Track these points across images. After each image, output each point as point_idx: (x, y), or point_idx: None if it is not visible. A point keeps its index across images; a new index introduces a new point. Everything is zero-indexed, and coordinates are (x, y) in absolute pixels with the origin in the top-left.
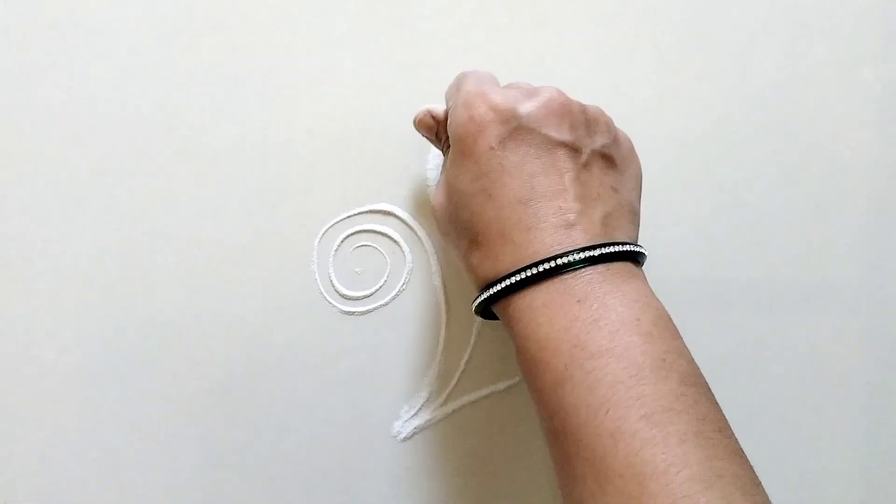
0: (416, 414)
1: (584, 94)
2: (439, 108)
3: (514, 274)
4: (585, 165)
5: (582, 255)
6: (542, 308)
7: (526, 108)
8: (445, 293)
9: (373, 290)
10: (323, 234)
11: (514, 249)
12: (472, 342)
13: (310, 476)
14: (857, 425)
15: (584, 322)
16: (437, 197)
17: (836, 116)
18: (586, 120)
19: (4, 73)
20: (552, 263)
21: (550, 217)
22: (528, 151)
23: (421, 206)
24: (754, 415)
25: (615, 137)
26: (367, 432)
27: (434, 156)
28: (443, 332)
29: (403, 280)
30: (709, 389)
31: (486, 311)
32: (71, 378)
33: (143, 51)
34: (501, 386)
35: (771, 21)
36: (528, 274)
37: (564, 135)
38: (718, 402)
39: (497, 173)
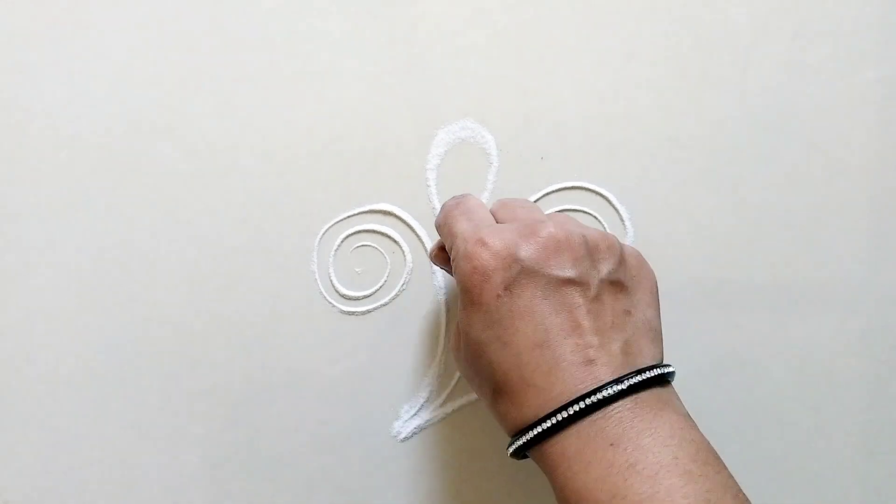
0: (416, 414)
1: (585, 94)
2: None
3: (541, 421)
4: (596, 298)
5: (608, 393)
6: (576, 455)
7: (526, 251)
8: (445, 293)
9: (373, 290)
10: (323, 234)
11: (537, 394)
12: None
13: (310, 476)
14: (857, 425)
15: (620, 468)
16: (454, 344)
17: (836, 116)
18: (588, 251)
19: (4, 73)
20: (579, 406)
21: (568, 356)
22: (535, 294)
23: (421, 206)
24: (754, 415)
25: (620, 259)
26: (367, 432)
27: (434, 156)
28: (443, 332)
29: (403, 280)
30: None
31: (524, 455)
32: (71, 378)
33: (143, 51)
34: None
35: (771, 21)
36: (556, 420)
37: (568, 271)
38: (718, 402)
39: (508, 320)
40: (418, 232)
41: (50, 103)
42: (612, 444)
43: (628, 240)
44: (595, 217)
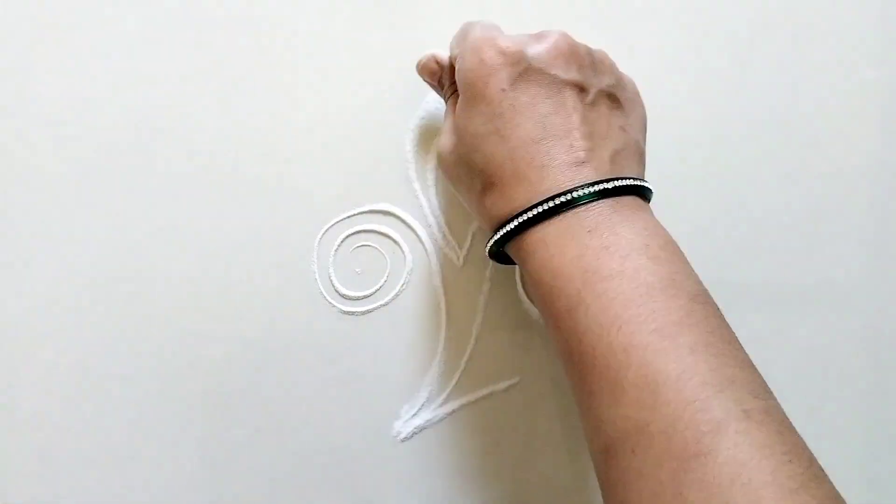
0: (416, 414)
1: None
2: (444, 54)
3: (528, 210)
4: (592, 104)
5: (593, 189)
6: (555, 239)
7: (534, 49)
8: (445, 293)
9: (373, 290)
10: (323, 234)
11: (528, 187)
12: (472, 342)
13: (310, 476)
14: (857, 425)
15: (595, 249)
16: (444, 144)
17: (836, 116)
18: (592, 61)
19: (4, 73)
20: (565, 197)
21: (562, 155)
22: (538, 92)
23: (421, 206)
24: None
25: (619, 79)
26: (367, 432)
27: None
28: (443, 332)
29: (403, 280)
30: (717, 308)
31: (499, 253)
32: (71, 378)
33: (143, 51)
34: (501, 386)
35: (771, 21)
36: (543, 209)
37: (572, 74)
38: None
39: (509, 114)
40: (418, 232)
41: (50, 103)
42: (589, 231)
43: None
44: None
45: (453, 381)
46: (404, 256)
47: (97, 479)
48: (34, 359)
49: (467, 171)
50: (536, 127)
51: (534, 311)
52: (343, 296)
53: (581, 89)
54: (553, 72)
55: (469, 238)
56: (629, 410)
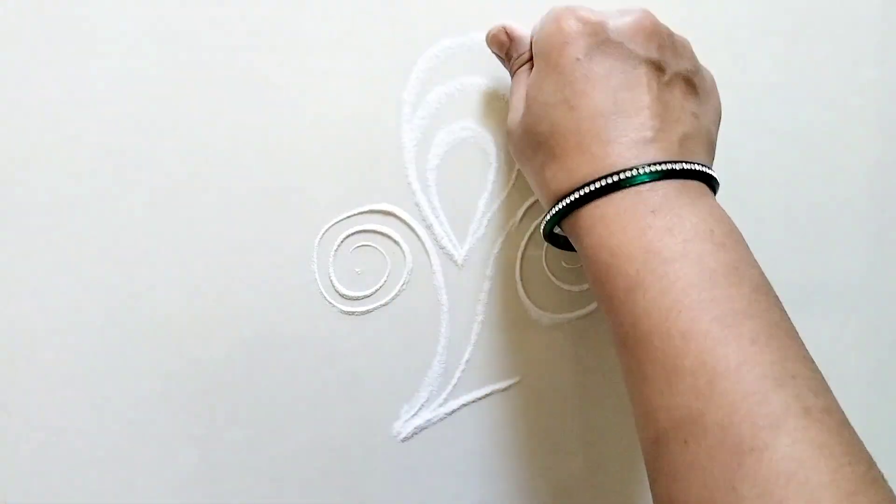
0: (416, 414)
1: None
2: (516, 25)
3: (590, 184)
4: (668, 85)
5: (658, 168)
6: (615, 216)
7: (616, 22)
8: (445, 293)
9: (373, 290)
10: (323, 234)
11: (590, 160)
12: (473, 342)
13: (310, 476)
14: (857, 425)
15: (658, 230)
16: (513, 114)
17: (836, 116)
18: (673, 43)
19: (4, 73)
20: (629, 173)
21: (630, 132)
22: (615, 65)
23: (422, 206)
24: None
25: (698, 67)
26: (367, 432)
27: (434, 156)
28: (443, 332)
29: (403, 280)
30: (780, 301)
31: (552, 233)
32: (71, 378)
33: (143, 51)
34: (502, 385)
35: (771, 21)
36: (604, 183)
37: (651, 52)
38: None
39: (581, 84)
40: (418, 232)
41: (50, 103)
42: (652, 211)
43: None
44: None
45: (453, 381)
46: (404, 256)
47: (97, 479)
48: (34, 359)
49: (532, 143)
50: (607, 100)
51: (534, 311)
52: (343, 296)
53: (658, 68)
54: (631, 47)
55: (469, 238)
56: (684, 399)
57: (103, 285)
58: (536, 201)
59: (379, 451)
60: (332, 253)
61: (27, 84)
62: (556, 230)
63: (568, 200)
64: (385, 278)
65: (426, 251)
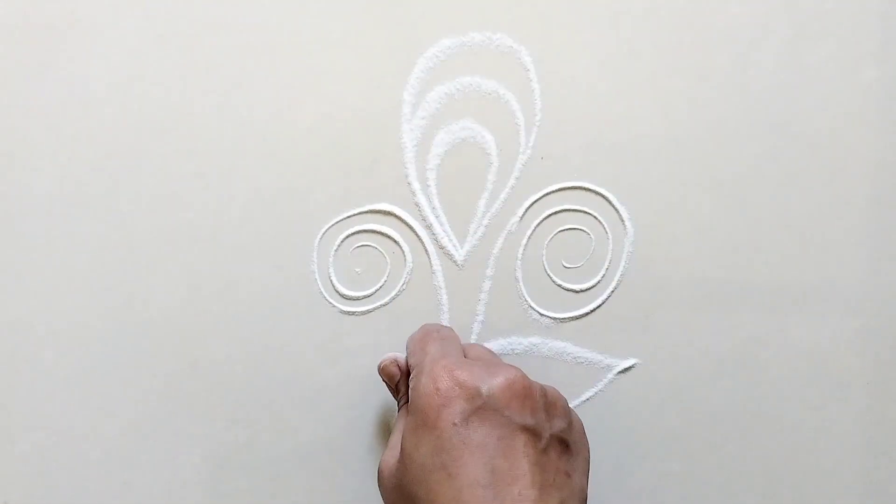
0: None
1: (585, 94)
2: (402, 357)
3: None
4: (544, 451)
5: None
6: None
7: (490, 387)
8: (446, 293)
9: (373, 290)
10: (323, 234)
11: None
12: (472, 342)
13: (310, 476)
14: (857, 425)
15: None
16: (388, 461)
17: (836, 116)
18: (546, 404)
19: (4, 73)
20: None
21: (509, 502)
22: (491, 432)
23: (422, 206)
24: (754, 415)
25: (570, 422)
26: (368, 432)
27: (434, 156)
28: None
29: (403, 280)
30: None
31: None
32: (71, 378)
33: (143, 51)
34: None
35: (771, 21)
36: None
37: (527, 419)
38: (718, 402)
39: (458, 451)
40: (418, 232)
41: (50, 103)
42: None
43: (628, 240)
44: (595, 217)
45: None
46: (404, 256)
47: (97, 479)
48: (34, 359)
49: (404, 500)
50: (485, 469)
51: (534, 311)
52: (343, 296)
53: (535, 434)
54: (507, 414)
55: (469, 238)
56: None
57: (103, 285)
58: (536, 201)
59: (379, 452)
60: (332, 253)
61: (27, 84)
62: None
63: None
64: (385, 278)
65: (426, 251)
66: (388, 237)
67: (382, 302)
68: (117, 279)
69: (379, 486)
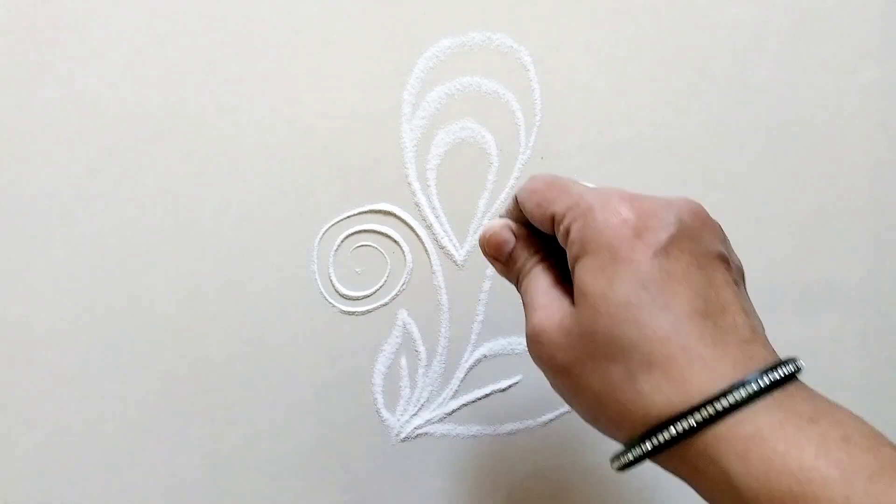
0: (415, 414)
1: (585, 94)
2: (514, 222)
3: (724, 395)
4: (736, 282)
5: (784, 371)
6: (777, 433)
7: (679, 216)
8: (446, 293)
9: (373, 290)
10: (323, 234)
11: (705, 368)
12: (472, 342)
13: (310, 476)
14: None
15: (835, 440)
16: (545, 321)
17: (836, 116)
18: (725, 235)
19: (4, 73)
20: (774, 374)
21: (730, 331)
22: (692, 261)
23: (421, 206)
24: None
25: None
26: (367, 432)
27: (434, 156)
28: (443, 332)
29: (403, 280)
30: None
31: (639, 462)
32: (71, 378)
33: (143, 51)
34: (502, 385)
35: (771, 21)
36: (746, 393)
37: (718, 246)
38: None
39: (666, 282)
40: (418, 232)
41: (50, 103)
42: (810, 420)
43: None
44: None
45: (453, 381)
46: (404, 256)
47: (97, 479)
48: (34, 359)
49: (603, 351)
50: (699, 299)
51: None
52: (343, 296)
53: (727, 263)
54: (702, 242)
55: (469, 238)
56: None
57: (103, 285)
58: None
59: (378, 451)
60: (332, 253)
61: (27, 84)
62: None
63: (699, 417)
64: (385, 278)
65: (426, 251)
66: (388, 237)
67: (382, 302)
68: (117, 279)
69: (538, 352)
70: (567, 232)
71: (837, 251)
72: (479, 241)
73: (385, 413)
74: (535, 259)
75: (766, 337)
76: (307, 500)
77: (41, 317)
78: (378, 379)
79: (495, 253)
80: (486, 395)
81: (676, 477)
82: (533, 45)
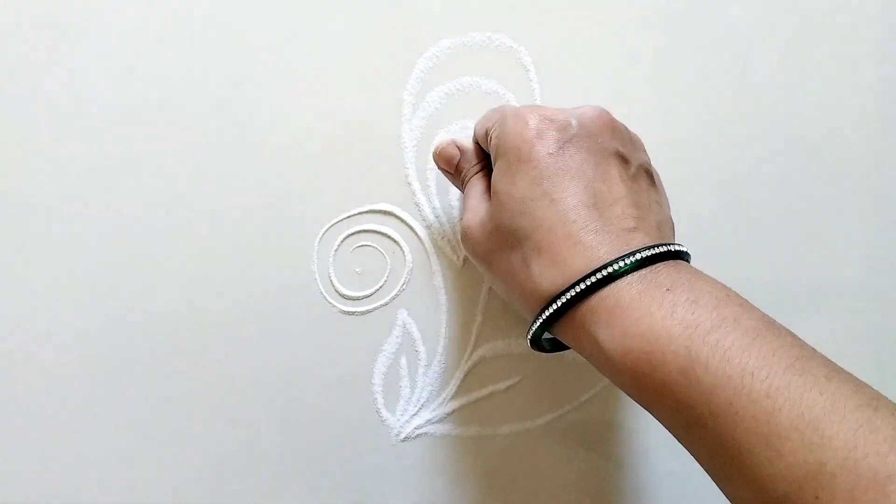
0: (416, 414)
1: (585, 94)
2: (463, 139)
3: (592, 274)
4: (634, 177)
5: (655, 251)
6: (634, 302)
7: (580, 118)
8: (445, 293)
9: (373, 290)
10: (323, 234)
11: (583, 251)
12: (472, 342)
13: (310, 476)
14: None
15: (685, 304)
16: (472, 214)
17: (836, 116)
18: (630, 138)
19: (4, 73)
20: (630, 259)
21: (615, 221)
22: (587, 158)
23: (421, 206)
24: None
25: (649, 162)
26: (367, 432)
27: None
28: (443, 332)
29: (403, 280)
30: None
31: (540, 335)
32: (71, 378)
33: (143, 51)
34: (502, 386)
35: (771, 21)
36: (612, 270)
37: (617, 146)
38: None
39: (559, 177)
40: (418, 232)
41: (50, 103)
42: (668, 289)
43: None
44: None
45: (453, 381)
46: (404, 256)
47: (97, 479)
48: (34, 359)
49: (507, 240)
50: (587, 192)
51: None
52: (343, 296)
53: (624, 161)
54: (600, 140)
55: None
56: (798, 457)
57: (103, 285)
58: None
59: (378, 451)
60: (332, 253)
61: (27, 84)
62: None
63: (575, 291)
64: (385, 278)
65: (426, 251)
66: (388, 237)
67: (382, 302)
68: (117, 279)
69: (466, 247)
70: (490, 141)
71: (838, 251)
72: (432, 155)
73: (385, 413)
74: (475, 169)
75: (659, 228)
76: (307, 500)
77: (41, 317)
78: (378, 379)
79: (445, 165)
80: (487, 395)
81: (571, 347)
82: (533, 45)
